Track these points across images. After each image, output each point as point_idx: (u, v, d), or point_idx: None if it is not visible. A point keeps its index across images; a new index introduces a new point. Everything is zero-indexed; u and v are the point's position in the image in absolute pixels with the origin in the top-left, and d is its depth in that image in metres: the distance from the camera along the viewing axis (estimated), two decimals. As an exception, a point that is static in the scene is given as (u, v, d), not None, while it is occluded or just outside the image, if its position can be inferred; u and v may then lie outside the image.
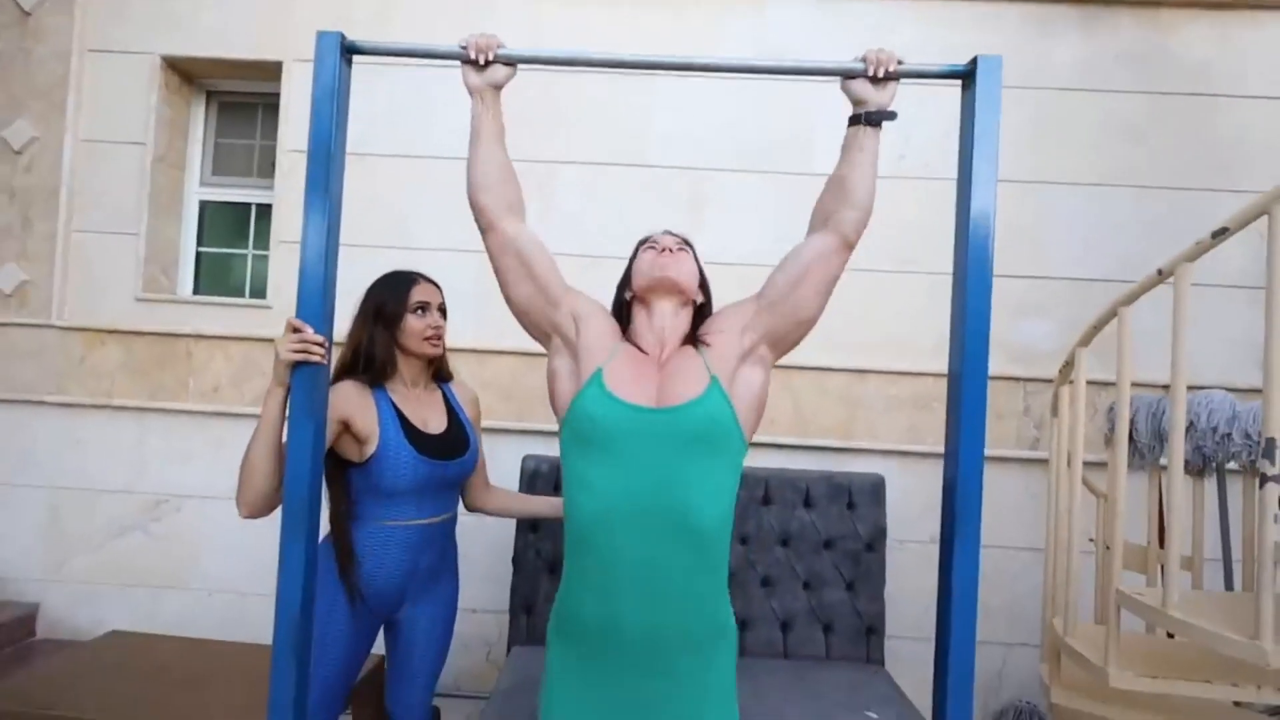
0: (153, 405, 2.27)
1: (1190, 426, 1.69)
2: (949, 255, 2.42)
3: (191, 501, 2.28)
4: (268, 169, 2.48)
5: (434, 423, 1.28)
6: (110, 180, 2.34)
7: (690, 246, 1.10)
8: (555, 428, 1.04)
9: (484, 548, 2.12)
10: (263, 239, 2.52)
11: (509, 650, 1.80)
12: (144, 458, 2.29)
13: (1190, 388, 1.79)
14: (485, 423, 2.15)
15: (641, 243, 1.10)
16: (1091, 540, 1.95)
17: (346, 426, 1.18)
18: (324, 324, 1.02)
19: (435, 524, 1.28)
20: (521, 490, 1.87)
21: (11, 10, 2.33)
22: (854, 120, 1.02)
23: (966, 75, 1.00)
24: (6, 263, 2.31)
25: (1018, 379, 2.25)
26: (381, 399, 1.23)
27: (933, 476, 2.24)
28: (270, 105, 2.46)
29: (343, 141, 1.06)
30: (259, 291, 2.52)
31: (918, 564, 2.14)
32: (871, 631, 1.86)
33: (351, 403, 1.19)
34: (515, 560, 1.87)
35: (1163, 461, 1.87)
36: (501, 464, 2.06)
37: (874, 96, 1.01)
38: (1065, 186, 2.28)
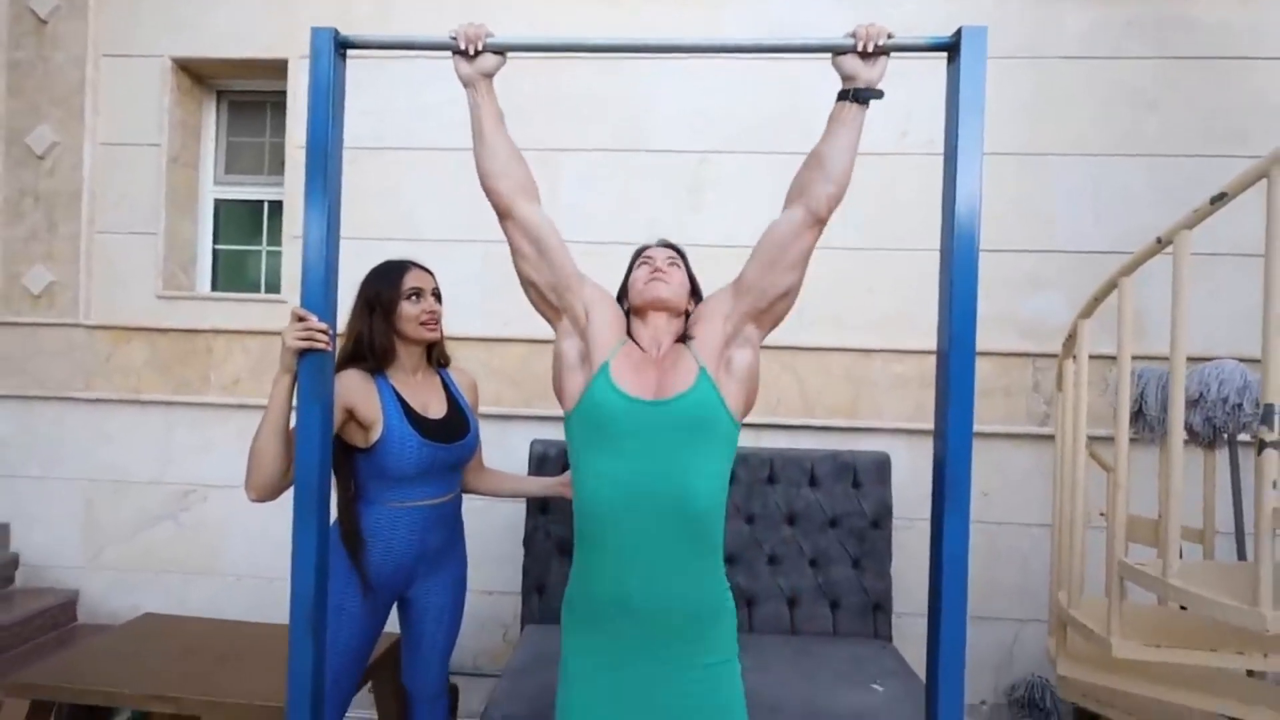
0: (178, 399, 2.35)
1: (1200, 397, 1.67)
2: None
3: (217, 491, 2.36)
4: (278, 166, 2.54)
5: (435, 407, 1.32)
6: (129, 182, 2.41)
7: (682, 258, 1.17)
8: (561, 413, 1.08)
9: (496, 531, 2.18)
10: (275, 235, 2.58)
11: (522, 629, 1.86)
12: (171, 450, 2.38)
13: (1204, 359, 1.78)
14: (494, 409, 2.21)
15: (638, 254, 1.17)
16: (1103, 515, 1.94)
17: (351, 414, 1.22)
18: (327, 313, 1.06)
19: (441, 504, 1.33)
20: (530, 473, 1.91)
21: (29, 20, 2.40)
22: (842, 95, 1.02)
23: (952, 47, 1.00)
24: (34, 264, 2.40)
25: (1027, 355, 2.23)
26: (383, 386, 1.28)
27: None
28: (278, 103, 2.51)
29: (339, 134, 1.09)
30: (274, 286, 2.58)
31: (924, 542, 2.13)
32: (878, 608, 1.88)
33: (355, 390, 1.23)
34: (526, 542, 1.91)
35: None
36: (510, 448, 2.11)
37: (864, 72, 1.01)
38: (1074, 158, 2.24)
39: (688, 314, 1.13)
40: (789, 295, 1.06)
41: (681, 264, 1.15)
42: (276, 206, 2.56)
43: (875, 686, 1.56)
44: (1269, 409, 1.03)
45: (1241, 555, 1.73)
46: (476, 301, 2.29)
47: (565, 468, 1.76)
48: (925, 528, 2.18)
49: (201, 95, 2.56)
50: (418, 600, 1.36)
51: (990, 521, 2.27)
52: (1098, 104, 2.23)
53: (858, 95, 1.01)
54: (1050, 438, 2.15)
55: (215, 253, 2.63)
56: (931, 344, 2.25)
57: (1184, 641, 1.31)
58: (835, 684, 1.56)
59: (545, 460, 1.93)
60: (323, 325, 1.02)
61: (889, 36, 0.99)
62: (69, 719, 1.76)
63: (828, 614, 1.88)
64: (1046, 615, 2.17)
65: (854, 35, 1.00)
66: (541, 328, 2.29)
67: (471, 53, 1.03)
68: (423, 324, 1.31)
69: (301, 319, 1.02)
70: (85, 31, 2.39)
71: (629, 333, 1.09)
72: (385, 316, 1.30)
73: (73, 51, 2.40)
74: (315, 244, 1.04)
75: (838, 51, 1.02)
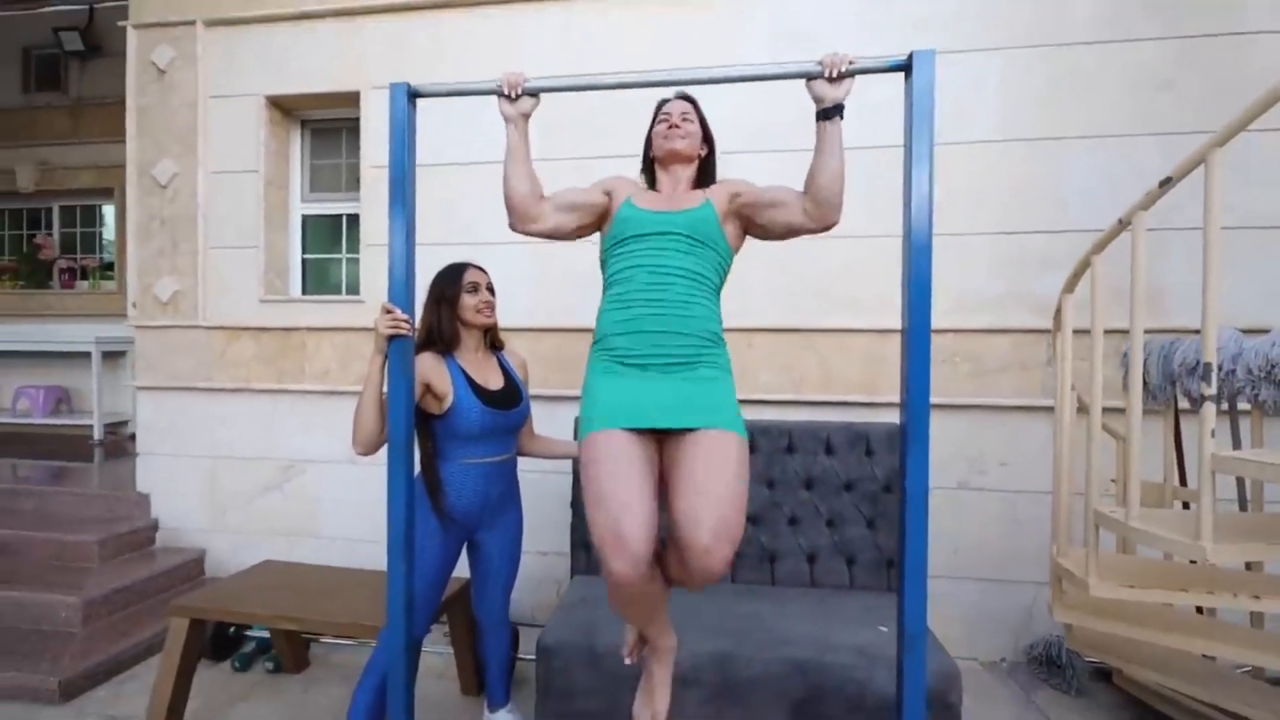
0: (280, 388, 2.76)
1: (1198, 365, 1.76)
2: (964, 219, 2.58)
3: (313, 466, 2.76)
4: (353, 184, 2.91)
5: (493, 381, 1.61)
6: (234, 204, 2.83)
7: (695, 108, 1.44)
8: None
9: (548, 498, 2.47)
10: (353, 244, 2.96)
11: (571, 578, 2.14)
12: (275, 431, 2.79)
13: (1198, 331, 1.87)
14: (541, 390, 2.51)
15: (659, 107, 1.45)
16: (1114, 481, 2.05)
17: (428, 387, 1.52)
18: (408, 307, 1.35)
19: (501, 462, 1.62)
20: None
21: (151, 71, 2.85)
22: (818, 117, 1.23)
23: (906, 68, 1.18)
24: (162, 277, 2.86)
25: (1041, 331, 2.33)
26: (452, 365, 1.57)
27: (951, 427, 2.39)
28: (352, 129, 2.87)
29: (413, 164, 1.37)
30: (353, 289, 2.97)
31: (936, 509, 2.29)
32: (891, 564, 2.06)
33: (430, 369, 1.53)
34: (574, 505, 2.19)
35: (1182, 404, 1.95)
36: (556, 424, 2.40)
37: (831, 93, 1.22)
38: (1089, 140, 2.32)
39: (701, 158, 1.41)
40: (763, 230, 1.33)
41: (695, 115, 1.42)
42: (353, 219, 2.94)
43: (881, 628, 1.74)
44: (1207, 367, 1.17)
45: (1243, 508, 1.82)
46: (524, 296, 2.58)
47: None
48: (936, 494, 2.35)
49: (289, 125, 2.96)
50: (484, 542, 1.66)
51: (1009, 490, 2.39)
52: (1113, 87, 2.30)
53: (826, 113, 1.21)
54: (1062, 409, 2.26)
55: (304, 261, 3.03)
56: (942, 324, 2.42)
57: (1158, 583, 1.45)
58: (845, 625, 1.75)
59: (588, 433, 2.20)
60: (405, 316, 1.31)
61: (850, 63, 1.19)
62: (212, 637, 2.18)
63: (844, 569, 2.07)
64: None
65: (820, 63, 1.20)
66: (581, 319, 2.58)
67: (513, 96, 1.29)
68: (479, 311, 1.60)
69: (389, 311, 1.32)
70: (195, 78, 2.82)
71: (653, 185, 1.40)
72: (450, 307, 1.60)
73: (186, 95, 2.83)
74: (398, 251, 1.33)
75: (809, 77, 1.22)
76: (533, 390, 2.17)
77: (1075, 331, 1.68)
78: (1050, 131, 2.34)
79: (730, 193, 1.33)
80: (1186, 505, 1.93)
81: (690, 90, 1.47)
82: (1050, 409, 2.32)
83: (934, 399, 2.38)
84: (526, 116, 1.31)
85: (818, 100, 1.21)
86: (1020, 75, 2.34)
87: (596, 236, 1.44)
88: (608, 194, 1.37)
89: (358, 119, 2.75)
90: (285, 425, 2.78)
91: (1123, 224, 1.37)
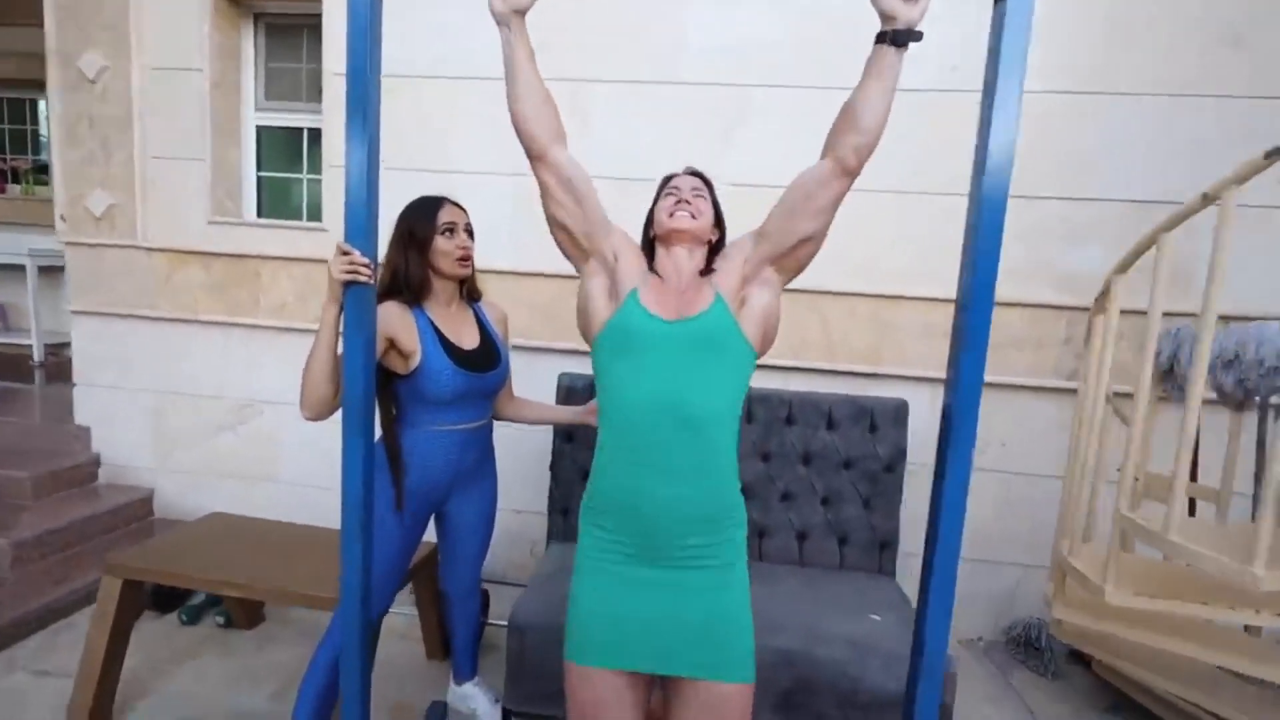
0: (232, 320, 2.51)
1: (1236, 358, 1.63)
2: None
3: (271, 406, 2.55)
4: (316, 93, 2.56)
5: (468, 339, 1.40)
6: (175, 107, 2.47)
7: (708, 186, 1.17)
8: (588, 348, 1.14)
9: (526, 455, 2.32)
10: (316, 163, 2.64)
11: (548, 545, 2.01)
12: (228, 367, 2.56)
13: (1258, 319, 1.73)
14: (524, 342, 2.30)
15: (665, 182, 1.17)
16: (1119, 471, 1.96)
17: (392, 343, 1.31)
18: (369, 245, 1.12)
19: (474, 429, 1.43)
20: (558, 404, 2.01)
21: (72, -62, 2.41)
22: (880, 38, 0.99)
23: (997, -11, 0.95)
24: (94, 188, 2.52)
25: (1061, 307, 2.19)
26: (421, 318, 1.35)
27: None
28: (314, 27, 2.50)
29: (377, 70, 1.11)
30: (315, 214, 2.67)
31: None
32: (885, 546, 1.96)
33: (395, 322, 1.31)
34: (553, 467, 2.04)
35: (1209, 394, 1.83)
36: (539, 380, 2.21)
37: (903, 12, 0.97)
38: (1136, 98, 2.10)
39: (710, 243, 1.15)
40: (811, 241, 1.06)
41: (707, 193, 1.15)
42: (316, 134, 2.60)
43: (874, 617, 1.66)
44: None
45: (1256, 517, 1.74)
46: (506, 235, 2.33)
47: (591, 398, 1.84)
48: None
49: (239, 19, 2.57)
50: (452, 514, 1.49)
51: (1007, 471, 2.30)
52: (1174, 38, 2.06)
53: (896, 38, 0.98)
54: (1075, 392, 2.14)
55: (259, 179, 2.71)
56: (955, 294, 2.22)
57: (1177, 594, 1.36)
58: (836, 611, 1.66)
59: (572, 393, 2.02)
60: (365, 260, 1.09)
61: None
62: (153, 596, 2.02)
63: (835, 549, 1.97)
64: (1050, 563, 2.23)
65: None
66: (570, 265, 2.34)
67: (504, -13, 1.02)
68: (456, 260, 1.36)
69: (346, 253, 1.09)
70: (127, -48, 2.39)
71: (652, 266, 1.13)
72: (420, 251, 1.36)
73: (116, -28, 2.41)
74: (356, 177, 1.08)
75: None
76: (513, 339, 1.96)
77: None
78: (1093, 86, 2.09)
79: (740, 260, 1.09)
80: (1193, 501, 1.86)
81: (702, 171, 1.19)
82: (1060, 390, 2.20)
83: (941, 374, 2.25)
84: (521, 14, 1.05)
85: (887, 18, 0.97)
86: (1072, 22, 2.08)
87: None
88: (614, 254, 1.11)
89: (319, 15, 2.38)
90: (238, 361, 2.54)
91: (1208, 199, 1.19)
